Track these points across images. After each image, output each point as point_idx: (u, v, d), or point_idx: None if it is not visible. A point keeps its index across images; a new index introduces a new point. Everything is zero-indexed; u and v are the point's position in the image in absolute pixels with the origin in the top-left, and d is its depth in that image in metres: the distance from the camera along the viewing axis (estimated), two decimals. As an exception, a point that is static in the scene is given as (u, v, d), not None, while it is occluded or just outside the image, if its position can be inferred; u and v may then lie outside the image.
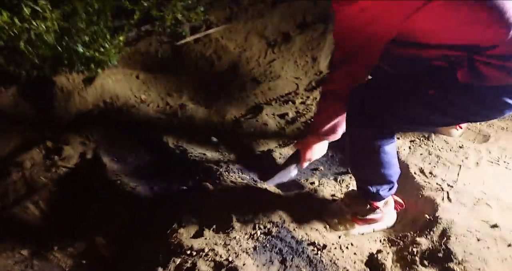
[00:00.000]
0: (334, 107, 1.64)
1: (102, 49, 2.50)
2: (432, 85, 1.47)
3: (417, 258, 1.61)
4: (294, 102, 2.57)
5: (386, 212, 1.77)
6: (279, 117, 2.46)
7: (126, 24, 2.63)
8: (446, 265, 1.56)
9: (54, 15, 2.34)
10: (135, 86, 2.74)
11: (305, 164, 1.90)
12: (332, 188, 1.97)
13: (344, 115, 1.63)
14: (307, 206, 1.83)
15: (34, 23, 2.33)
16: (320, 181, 2.00)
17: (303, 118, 2.43)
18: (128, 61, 2.92)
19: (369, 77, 1.62)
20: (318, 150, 1.84)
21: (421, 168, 1.97)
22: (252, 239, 1.65)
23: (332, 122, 1.68)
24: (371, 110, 1.53)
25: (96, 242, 1.76)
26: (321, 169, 2.12)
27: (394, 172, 1.66)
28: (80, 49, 2.43)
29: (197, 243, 1.62)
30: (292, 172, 1.97)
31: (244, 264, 1.54)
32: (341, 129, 1.70)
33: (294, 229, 1.71)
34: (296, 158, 1.92)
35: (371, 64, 1.50)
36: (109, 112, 2.52)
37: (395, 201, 1.80)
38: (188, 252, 1.59)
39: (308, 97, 2.62)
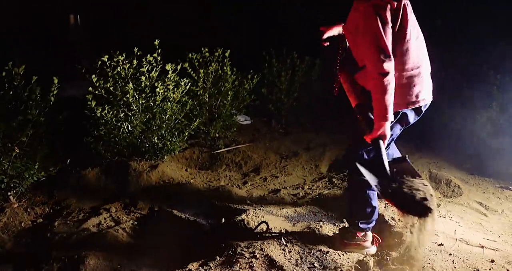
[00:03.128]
0: (380, 91, 2.17)
1: (169, 142, 3.58)
2: None
3: (389, 261, 2.40)
4: (303, 188, 3.52)
5: (366, 241, 2.56)
6: (292, 195, 3.39)
7: (187, 129, 3.76)
8: (409, 263, 2.34)
9: (140, 118, 3.49)
10: (184, 175, 3.71)
11: (386, 142, 2.29)
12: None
13: (392, 100, 2.19)
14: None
15: (125, 123, 3.47)
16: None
17: (309, 196, 3.35)
18: (179, 160, 3.97)
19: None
20: (387, 130, 2.25)
21: (392, 217, 2.84)
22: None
23: (384, 107, 2.19)
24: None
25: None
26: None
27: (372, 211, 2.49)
28: (156, 140, 3.51)
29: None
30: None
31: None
32: (392, 111, 2.22)
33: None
34: (378, 151, 2.27)
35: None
36: (167, 186, 3.46)
37: (374, 236, 2.61)
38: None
39: (313, 185, 3.58)
